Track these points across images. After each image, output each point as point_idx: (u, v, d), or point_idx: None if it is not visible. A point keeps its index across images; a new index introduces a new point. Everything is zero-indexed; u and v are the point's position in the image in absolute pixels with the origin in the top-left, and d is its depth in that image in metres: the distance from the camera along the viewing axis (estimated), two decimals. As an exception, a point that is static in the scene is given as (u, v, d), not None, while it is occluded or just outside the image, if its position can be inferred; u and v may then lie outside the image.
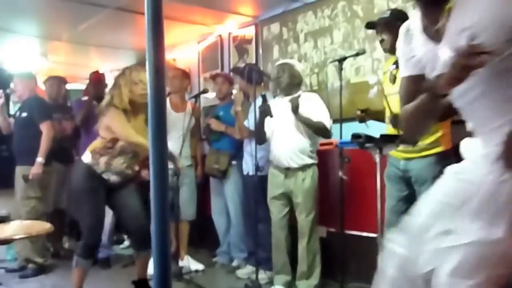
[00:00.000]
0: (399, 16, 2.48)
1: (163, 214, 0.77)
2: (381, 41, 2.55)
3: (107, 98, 2.74)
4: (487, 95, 1.18)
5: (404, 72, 1.40)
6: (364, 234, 3.03)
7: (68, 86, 4.62)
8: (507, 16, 1.08)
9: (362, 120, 2.66)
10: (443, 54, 1.19)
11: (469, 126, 1.32)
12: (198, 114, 4.10)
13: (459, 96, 1.23)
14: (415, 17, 1.32)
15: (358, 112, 2.66)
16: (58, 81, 4.31)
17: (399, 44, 1.40)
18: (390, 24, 2.47)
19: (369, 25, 2.64)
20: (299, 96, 2.95)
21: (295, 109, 2.88)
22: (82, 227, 2.70)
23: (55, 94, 4.24)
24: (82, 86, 5.78)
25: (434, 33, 1.21)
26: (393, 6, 2.99)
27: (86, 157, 2.67)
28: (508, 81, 1.15)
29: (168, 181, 0.80)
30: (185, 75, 4.00)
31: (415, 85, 1.33)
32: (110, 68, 5.16)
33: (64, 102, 4.45)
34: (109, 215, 3.76)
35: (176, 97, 3.83)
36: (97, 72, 4.27)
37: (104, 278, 3.55)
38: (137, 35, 4.19)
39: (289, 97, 3.02)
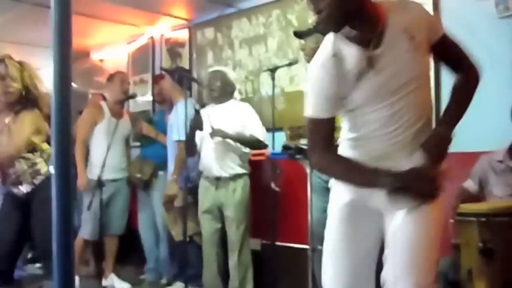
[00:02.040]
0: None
1: (66, 228, 0.69)
2: (302, 50, 2.61)
3: None
4: (415, 91, 1.37)
5: (325, 113, 1.38)
6: (296, 245, 3.01)
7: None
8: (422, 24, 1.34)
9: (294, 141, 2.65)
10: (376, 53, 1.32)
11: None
12: (132, 120, 3.87)
13: (383, 104, 1.37)
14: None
15: (288, 132, 2.65)
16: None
17: (328, 75, 1.36)
18: (311, 34, 2.54)
19: (297, 35, 2.70)
20: (219, 130, 2.86)
21: (223, 137, 2.82)
22: None
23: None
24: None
25: (374, 44, 1.31)
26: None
27: None
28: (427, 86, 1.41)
29: (73, 192, 0.73)
30: (127, 78, 3.79)
31: (333, 125, 1.40)
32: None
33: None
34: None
35: (115, 103, 3.50)
36: None
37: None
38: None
39: (221, 105, 2.94)
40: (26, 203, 2.44)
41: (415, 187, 1.29)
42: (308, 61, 2.57)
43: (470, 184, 2.17)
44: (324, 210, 2.47)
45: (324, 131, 1.39)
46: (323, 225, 2.50)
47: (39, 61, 4.95)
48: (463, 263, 1.88)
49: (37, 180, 2.46)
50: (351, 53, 1.34)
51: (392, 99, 1.34)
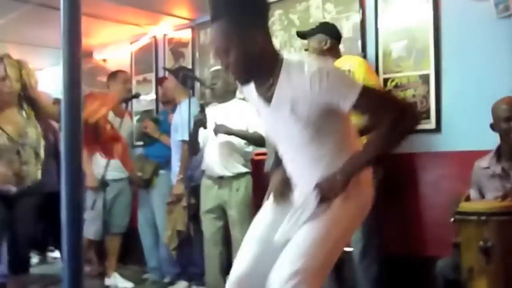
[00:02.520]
0: (324, 28, 2.63)
1: (76, 230, 0.71)
2: (306, 50, 2.66)
3: None
4: (303, 155, 1.49)
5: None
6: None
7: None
8: (314, 97, 1.36)
9: None
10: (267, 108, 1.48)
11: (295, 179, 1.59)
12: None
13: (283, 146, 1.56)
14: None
15: None
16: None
17: (244, 89, 1.59)
18: (314, 35, 2.61)
19: (300, 35, 2.72)
20: (222, 126, 2.86)
21: (227, 133, 2.82)
22: None
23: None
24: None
25: (266, 97, 1.46)
26: (328, 16, 3.05)
27: None
28: (318, 144, 1.45)
29: (82, 193, 0.77)
30: (130, 78, 3.80)
31: None
32: (31, 67, 4.78)
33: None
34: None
35: (119, 102, 3.46)
36: None
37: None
38: (59, 32, 3.91)
39: (223, 104, 2.95)
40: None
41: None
42: None
43: (473, 194, 2.18)
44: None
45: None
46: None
47: (42, 62, 4.99)
48: (463, 262, 1.87)
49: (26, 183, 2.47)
50: (253, 92, 1.51)
51: (281, 147, 1.57)
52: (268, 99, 1.45)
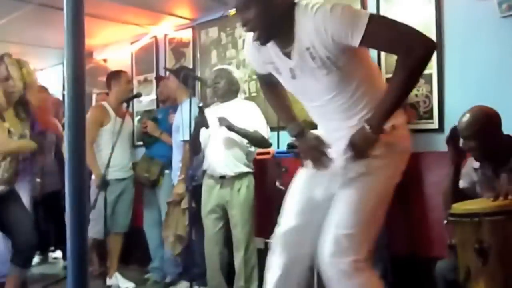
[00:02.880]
0: None
1: (81, 229, 0.71)
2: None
3: None
4: (334, 106, 1.48)
5: (261, 70, 1.69)
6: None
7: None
8: (326, 36, 1.35)
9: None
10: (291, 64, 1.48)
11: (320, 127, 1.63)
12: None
13: (312, 104, 1.54)
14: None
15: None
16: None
17: (251, 52, 1.61)
18: None
19: None
20: (224, 119, 2.84)
21: (229, 128, 2.80)
22: None
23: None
24: None
25: (286, 52, 1.46)
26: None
27: None
28: (348, 87, 1.43)
29: (87, 194, 0.74)
30: (130, 78, 3.79)
31: (268, 78, 1.68)
32: (32, 67, 4.78)
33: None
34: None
35: (117, 102, 3.51)
36: None
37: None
38: (61, 33, 3.89)
39: (225, 104, 2.94)
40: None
41: (303, 151, 1.56)
42: None
43: (463, 184, 2.17)
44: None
45: (262, 79, 1.76)
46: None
47: (43, 62, 4.98)
48: (460, 263, 1.85)
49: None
50: (271, 48, 1.50)
51: (312, 104, 1.55)
52: (288, 54, 1.44)
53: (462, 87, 2.56)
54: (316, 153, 1.51)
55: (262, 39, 1.45)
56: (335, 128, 1.53)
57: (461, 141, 2.05)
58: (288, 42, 1.42)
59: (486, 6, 2.43)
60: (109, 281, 3.36)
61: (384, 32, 1.34)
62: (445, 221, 1.88)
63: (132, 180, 3.58)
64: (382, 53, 2.82)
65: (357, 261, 1.40)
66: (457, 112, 2.56)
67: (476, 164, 2.12)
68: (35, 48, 4.52)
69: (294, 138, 1.63)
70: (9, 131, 2.45)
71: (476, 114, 2.02)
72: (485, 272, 1.74)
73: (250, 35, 1.54)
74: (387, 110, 1.39)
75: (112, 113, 3.44)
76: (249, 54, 1.65)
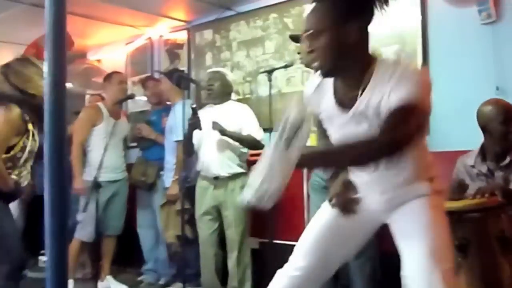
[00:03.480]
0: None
1: (60, 231, 0.68)
2: (298, 53, 2.64)
3: None
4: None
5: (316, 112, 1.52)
6: (294, 243, 3.03)
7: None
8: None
9: None
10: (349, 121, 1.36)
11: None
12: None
13: None
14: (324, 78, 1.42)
15: None
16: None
17: (310, 92, 1.49)
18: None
19: (293, 38, 2.73)
20: (217, 124, 2.86)
21: (222, 132, 2.82)
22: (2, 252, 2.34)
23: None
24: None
25: (347, 101, 1.35)
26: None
27: None
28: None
29: (68, 194, 0.76)
30: (125, 79, 3.79)
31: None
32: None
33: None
34: None
35: (115, 104, 3.49)
36: None
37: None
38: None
39: (219, 106, 2.97)
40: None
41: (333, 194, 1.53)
42: (304, 64, 2.61)
43: (453, 184, 2.22)
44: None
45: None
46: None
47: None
48: None
49: None
50: (329, 96, 1.41)
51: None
52: (349, 104, 1.35)
53: (446, 91, 2.62)
54: (346, 200, 1.49)
55: (324, 70, 1.35)
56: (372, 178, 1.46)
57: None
58: (352, 91, 1.33)
59: (468, 14, 2.53)
60: (101, 285, 3.33)
61: (401, 118, 1.26)
62: None
63: (126, 182, 3.54)
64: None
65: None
66: (441, 115, 2.63)
67: (471, 161, 2.17)
68: (25, 48, 4.51)
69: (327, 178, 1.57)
70: None
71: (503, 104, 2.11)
72: (465, 266, 1.82)
73: (315, 76, 1.46)
74: (327, 160, 1.35)
75: (106, 113, 3.42)
76: (308, 94, 1.51)
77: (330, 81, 1.41)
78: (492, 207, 1.86)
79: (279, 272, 1.55)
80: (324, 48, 1.30)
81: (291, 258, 1.55)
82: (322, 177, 2.51)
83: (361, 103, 1.31)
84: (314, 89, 1.47)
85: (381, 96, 1.28)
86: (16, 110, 2.22)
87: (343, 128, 1.39)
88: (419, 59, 2.69)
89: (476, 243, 1.81)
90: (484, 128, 2.14)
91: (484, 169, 2.13)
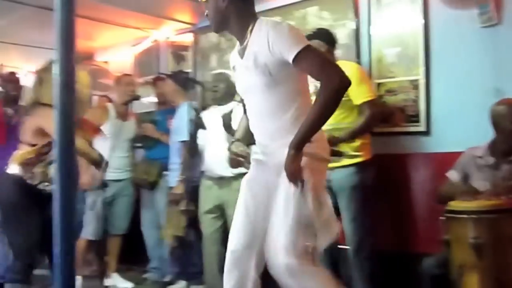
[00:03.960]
0: (320, 34, 2.68)
1: (68, 228, 0.72)
2: None
3: (32, 96, 2.50)
4: (264, 110, 1.71)
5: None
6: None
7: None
8: (269, 48, 1.60)
9: None
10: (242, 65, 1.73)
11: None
12: (137, 121, 3.87)
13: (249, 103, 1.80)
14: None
15: None
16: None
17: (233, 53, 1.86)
18: (310, 41, 2.62)
19: None
20: (231, 112, 2.91)
21: (227, 127, 2.87)
22: (14, 247, 2.44)
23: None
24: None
25: (241, 53, 1.73)
26: (324, 23, 3.14)
27: (14, 170, 2.38)
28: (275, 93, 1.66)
29: (76, 192, 0.78)
30: (133, 81, 3.86)
31: None
32: (34, 68, 4.87)
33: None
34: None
35: (121, 105, 3.58)
36: (12, 73, 3.94)
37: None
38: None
39: (223, 107, 3.02)
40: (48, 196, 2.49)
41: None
42: None
43: (454, 175, 2.27)
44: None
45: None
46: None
47: (42, 63, 5.04)
48: (454, 259, 1.94)
49: None
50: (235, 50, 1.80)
51: (243, 97, 1.83)
52: (242, 54, 1.72)
53: (447, 93, 2.67)
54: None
55: (215, 29, 1.82)
56: (265, 144, 1.75)
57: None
58: (243, 44, 1.70)
59: (469, 17, 2.56)
60: (107, 282, 3.39)
61: (315, 60, 1.59)
62: (442, 217, 1.98)
63: (130, 182, 3.58)
64: (373, 60, 2.91)
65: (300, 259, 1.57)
66: (442, 116, 2.68)
67: (479, 152, 2.22)
68: (34, 49, 4.55)
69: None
70: None
71: None
72: (479, 267, 1.84)
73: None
74: (306, 133, 1.57)
75: (113, 114, 3.49)
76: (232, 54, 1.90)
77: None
78: (508, 208, 1.89)
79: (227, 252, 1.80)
80: (210, 12, 1.74)
81: (230, 237, 1.83)
82: (327, 178, 2.57)
83: (247, 54, 1.68)
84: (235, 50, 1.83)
85: (259, 48, 1.62)
86: None
87: (241, 75, 1.76)
88: (421, 61, 2.73)
89: (491, 243, 1.83)
90: (495, 126, 2.20)
91: (491, 160, 2.18)
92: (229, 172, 2.93)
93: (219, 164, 2.94)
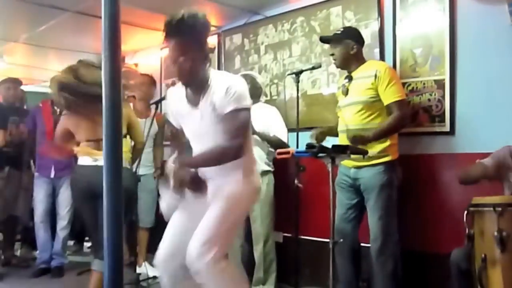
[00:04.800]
0: (350, 34, 2.66)
1: (117, 218, 0.77)
2: (332, 55, 2.69)
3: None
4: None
5: (171, 118, 2.24)
6: (318, 239, 3.14)
7: (25, 89, 4.50)
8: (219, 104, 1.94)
9: (319, 142, 2.74)
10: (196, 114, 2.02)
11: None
12: (161, 121, 4.05)
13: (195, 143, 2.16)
14: (180, 87, 2.10)
15: (313, 137, 2.72)
16: (14, 84, 4.19)
17: (170, 97, 2.21)
18: (341, 40, 2.63)
19: (323, 40, 2.79)
20: None
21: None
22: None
23: (11, 97, 4.12)
24: (39, 88, 5.63)
25: (193, 102, 2.02)
26: (347, 23, 3.16)
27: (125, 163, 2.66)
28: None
29: (122, 186, 0.79)
30: (153, 82, 4.02)
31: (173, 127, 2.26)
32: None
33: (21, 105, 4.32)
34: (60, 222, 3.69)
35: (140, 103, 3.84)
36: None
37: (56, 287, 3.46)
38: (97, 39, 4.16)
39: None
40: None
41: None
42: (337, 66, 2.70)
43: (488, 161, 2.22)
44: (349, 207, 2.62)
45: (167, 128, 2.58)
46: (346, 220, 2.64)
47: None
48: (477, 252, 1.94)
49: None
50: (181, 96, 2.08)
51: (194, 141, 2.14)
52: (196, 103, 1.99)
53: (473, 93, 2.63)
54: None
55: (182, 83, 2.06)
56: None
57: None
58: (198, 96, 1.99)
59: (498, 14, 2.50)
60: (138, 270, 3.55)
61: (236, 123, 1.93)
62: (466, 212, 1.98)
63: (152, 178, 3.78)
64: (397, 59, 2.92)
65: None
66: (467, 116, 2.65)
67: None
68: (72, 53, 4.79)
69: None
70: None
71: None
72: (503, 259, 1.84)
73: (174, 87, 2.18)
74: (200, 162, 2.05)
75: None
76: (169, 98, 2.19)
77: (183, 89, 2.06)
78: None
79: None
80: (179, 68, 2.01)
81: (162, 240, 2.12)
82: (349, 175, 2.60)
83: (203, 104, 1.97)
84: (173, 94, 2.15)
85: (212, 101, 1.93)
86: None
87: (191, 120, 2.04)
88: (446, 61, 2.70)
89: (515, 238, 1.81)
90: None
91: None
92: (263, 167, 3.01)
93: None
